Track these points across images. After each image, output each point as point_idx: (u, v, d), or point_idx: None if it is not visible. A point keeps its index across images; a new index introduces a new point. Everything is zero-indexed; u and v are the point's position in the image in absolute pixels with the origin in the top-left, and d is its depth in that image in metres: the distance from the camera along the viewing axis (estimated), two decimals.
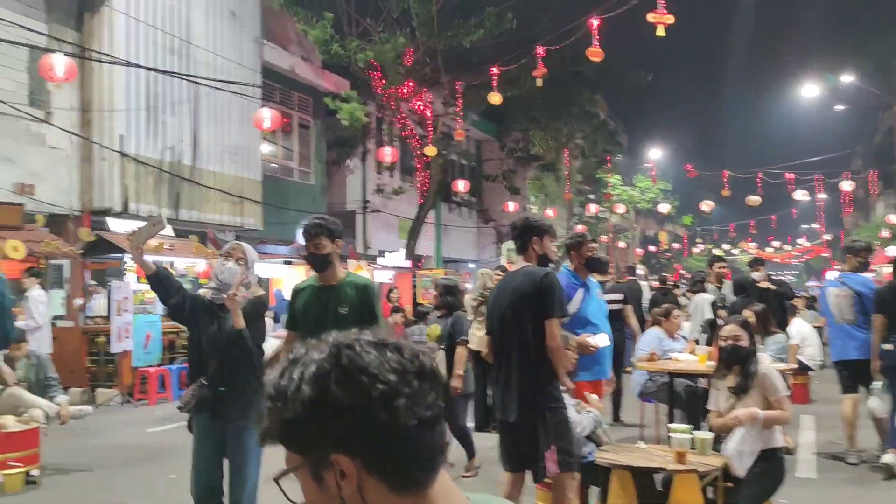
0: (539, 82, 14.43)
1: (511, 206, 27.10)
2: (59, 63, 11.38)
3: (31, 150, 13.42)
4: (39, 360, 6.85)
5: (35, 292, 8.80)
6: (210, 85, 15.98)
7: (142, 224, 4.33)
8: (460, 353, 6.23)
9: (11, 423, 6.03)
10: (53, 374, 6.94)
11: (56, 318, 9.93)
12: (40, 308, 8.79)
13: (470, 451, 6.35)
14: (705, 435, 4.47)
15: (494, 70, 15.33)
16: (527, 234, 4.34)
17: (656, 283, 14.95)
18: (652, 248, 48.27)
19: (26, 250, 8.80)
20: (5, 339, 3.00)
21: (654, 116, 68.33)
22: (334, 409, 1.00)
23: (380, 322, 4.26)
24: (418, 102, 19.85)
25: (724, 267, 9.99)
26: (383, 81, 18.99)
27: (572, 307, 5.28)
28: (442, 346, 6.36)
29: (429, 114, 19.92)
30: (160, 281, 4.14)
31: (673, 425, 4.74)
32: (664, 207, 36.49)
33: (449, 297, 6.61)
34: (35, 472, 6.32)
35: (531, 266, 4.26)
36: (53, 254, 9.46)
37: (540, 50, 13.61)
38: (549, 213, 30.77)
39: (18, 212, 9.61)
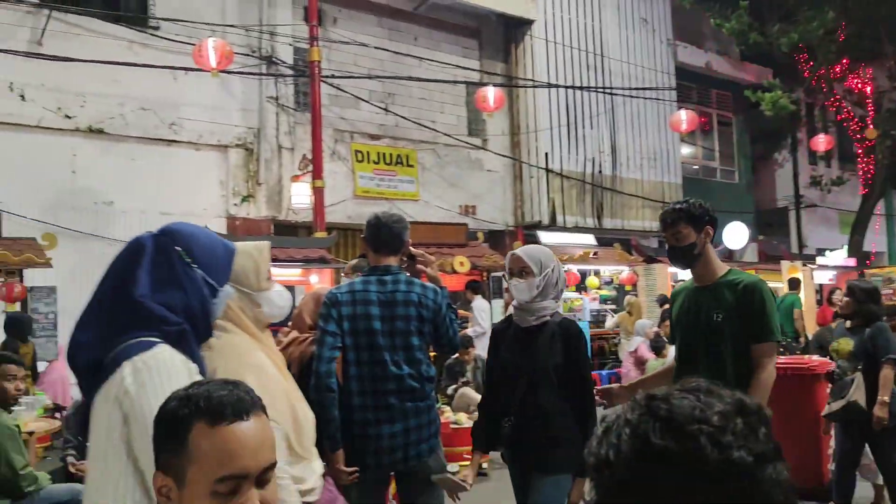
0: None
1: None
2: (490, 94, 12.57)
3: (471, 175, 15.04)
4: (485, 364, 7.59)
5: (478, 302, 9.80)
6: (625, 94, 16.24)
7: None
8: (886, 374, 4.81)
9: (464, 420, 6.76)
10: None
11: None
12: (483, 316, 9.74)
13: None
14: None
15: None
16: None
17: None
18: None
19: (470, 265, 9.82)
20: (450, 345, 3.33)
21: None
22: (662, 459, 0.89)
23: (771, 332, 3.22)
24: (855, 80, 17.69)
25: None
26: (811, 63, 17.34)
27: None
28: (858, 367, 5.04)
29: (868, 91, 17.62)
30: None
31: None
32: None
33: (870, 304, 5.09)
34: (485, 464, 7.00)
35: None
36: (493, 267, 10.42)
37: None
38: None
39: (462, 231, 10.77)
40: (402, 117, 14.04)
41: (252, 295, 2.15)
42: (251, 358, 2.14)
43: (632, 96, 16.55)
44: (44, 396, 6.94)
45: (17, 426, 4.25)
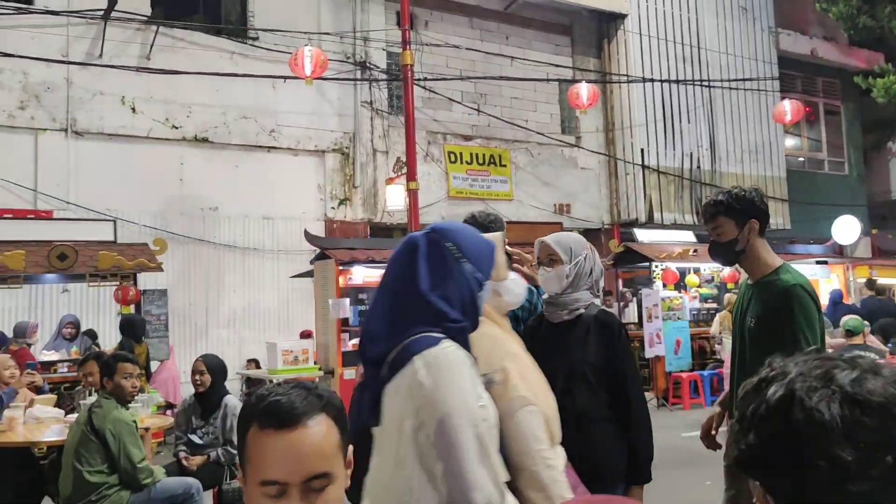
0: None
1: None
2: (583, 91, 12.41)
3: (566, 173, 14.90)
4: None
5: None
6: (724, 86, 15.75)
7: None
8: None
9: None
10: None
11: None
12: None
13: None
14: None
15: None
16: None
17: None
18: None
19: None
20: None
21: None
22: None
23: (798, 345, 2.75)
24: None
25: None
26: None
27: None
28: None
29: None
30: None
31: None
32: None
33: None
34: None
35: None
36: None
37: None
38: None
39: (557, 229, 10.67)
40: (495, 117, 14.05)
41: (495, 285, 2.20)
42: (507, 346, 2.20)
43: (731, 88, 16.02)
44: (156, 394, 7.29)
45: (135, 421, 4.49)
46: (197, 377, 5.06)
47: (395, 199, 12.06)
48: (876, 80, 15.39)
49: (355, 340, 8.24)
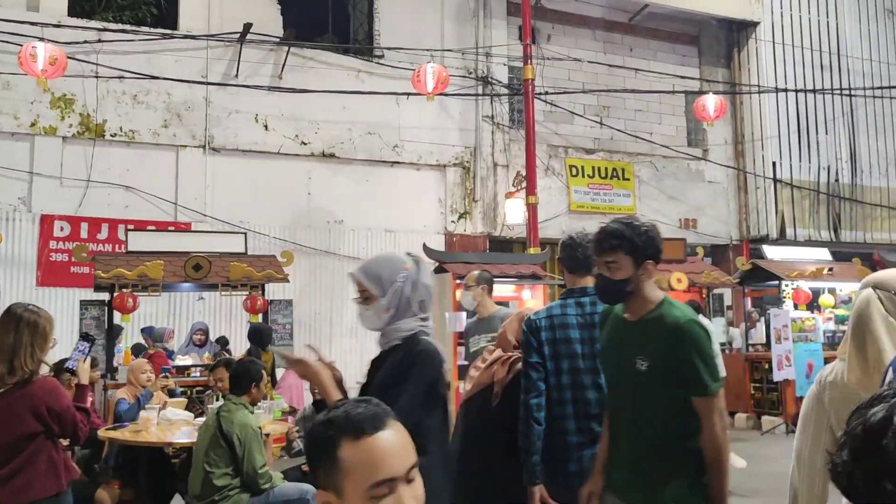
0: None
1: None
2: (710, 102, 12.04)
3: (691, 187, 14.46)
4: None
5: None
6: (867, 95, 14.86)
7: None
8: None
9: None
10: None
11: (721, 345, 10.36)
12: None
13: None
14: None
15: None
16: None
17: None
18: None
19: (688, 281, 9.44)
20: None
21: None
22: None
23: (704, 384, 2.50)
24: None
25: None
26: None
27: None
28: None
29: None
30: None
31: None
32: None
33: None
34: None
35: None
36: (713, 284, 9.94)
37: None
38: None
39: (680, 246, 10.39)
40: (618, 130, 13.83)
41: None
42: None
43: (875, 96, 15.10)
44: (281, 400, 7.59)
45: (259, 427, 4.71)
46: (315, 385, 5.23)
47: (514, 213, 12.08)
48: None
49: None
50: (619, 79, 13.91)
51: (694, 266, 10.12)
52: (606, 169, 13.80)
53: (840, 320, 11.22)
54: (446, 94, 11.80)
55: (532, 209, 11.17)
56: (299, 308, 11.09)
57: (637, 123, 14.21)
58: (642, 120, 14.31)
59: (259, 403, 5.03)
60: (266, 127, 11.67)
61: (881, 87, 15.00)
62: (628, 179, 13.88)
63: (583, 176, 13.57)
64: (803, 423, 2.83)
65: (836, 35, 15.16)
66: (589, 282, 3.27)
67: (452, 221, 12.75)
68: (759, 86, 14.38)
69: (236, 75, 11.45)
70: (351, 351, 11.59)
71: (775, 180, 14.35)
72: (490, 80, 12.97)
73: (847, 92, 14.84)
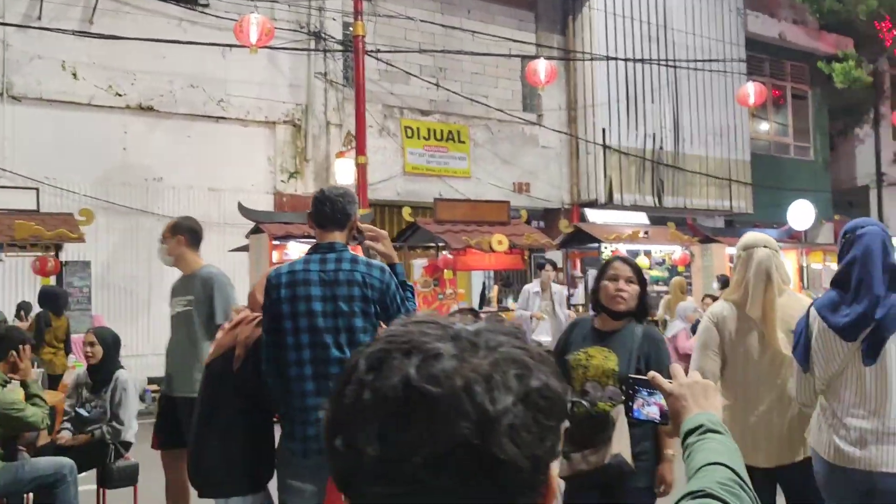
0: None
1: None
2: (542, 67, 12.19)
3: (525, 151, 14.71)
4: None
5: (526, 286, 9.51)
6: (689, 67, 15.57)
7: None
8: None
9: None
10: None
11: None
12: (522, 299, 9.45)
13: None
14: None
15: None
16: None
17: None
18: None
19: (509, 243, 9.58)
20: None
21: None
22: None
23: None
24: None
25: None
26: (893, 32, 16.24)
27: None
28: None
29: None
30: None
31: None
32: None
33: None
34: None
35: None
36: (533, 246, 10.15)
37: None
38: None
39: (504, 208, 10.54)
40: (454, 92, 13.81)
41: None
42: None
43: (697, 69, 15.85)
44: (82, 367, 7.08)
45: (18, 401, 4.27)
46: (88, 349, 4.86)
47: (344, 173, 11.83)
48: (835, 65, 15.28)
49: None
50: (457, 40, 13.86)
51: (516, 229, 10.28)
52: (442, 131, 13.78)
53: (655, 281, 11.76)
54: (275, 48, 11.32)
55: (361, 169, 10.97)
56: (114, 270, 10.43)
57: (473, 86, 14.25)
58: (479, 83, 14.37)
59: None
60: (75, 75, 10.78)
61: (702, 61, 15.76)
62: (464, 142, 13.93)
63: (418, 137, 13.49)
64: (701, 348, 3.32)
65: (664, 9, 15.75)
66: (337, 237, 3.14)
67: (282, 181, 12.35)
68: (591, 54, 14.75)
69: (39, 17, 10.48)
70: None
71: (605, 146, 14.83)
72: (323, 35, 12.57)
73: (672, 64, 15.49)
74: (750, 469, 2.85)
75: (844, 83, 15.27)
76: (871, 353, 2.81)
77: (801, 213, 13.27)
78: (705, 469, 1.14)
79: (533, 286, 9.06)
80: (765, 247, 3.26)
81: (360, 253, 3.33)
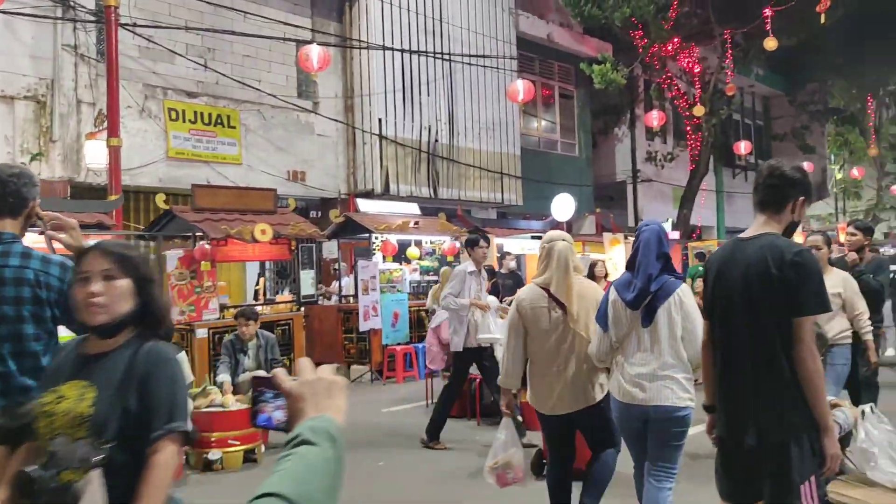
0: (823, 19, 12.34)
1: (805, 166, 24.17)
2: (314, 53, 11.86)
3: (301, 139, 14.33)
4: (268, 341, 7.06)
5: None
6: (463, 61, 15.94)
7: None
8: None
9: (231, 402, 6.22)
10: (279, 356, 7.13)
11: (305, 297, 10.38)
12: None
13: None
14: None
15: (768, 12, 13.45)
16: (790, 187, 2.98)
17: None
18: None
19: (273, 233, 9.21)
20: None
21: None
22: None
23: None
24: (686, 59, 18.20)
25: None
26: (645, 40, 17.65)
27: None
28: None
29: (696, 70, 18.17)
30: None
31: None
32: None
33: None
34: (263, 448, 6.52)
35: (776, 235, 2.95)
36: (300, 235, 9.85)
37: None
38: (855, 172, 27.03)
39: (271, 196, 10.14)
40: (223, 75, 13.12)
41: None
42: None
43: (470, 64, 16.27)
44: None
45: None
46: None
47: (96, 155, 10.83)
48: (594, 67, 16.32)
49: None
50: (227, 20, 13.17)
51: (283, 218, 9.93)
52: (210, 115, 13.05)
53: (425, 271, 11.92)
54: (12, 13, 10.12)
55: (114, 152, 10.11)
56: None
57: (245, 69, 13.64)
58: (251, 66, 13.78)
59: None
60: None
61: (476, 56, 16.20)
62: (234, 127, 13.29)
63: (183, 121, 12.67)
64: (510, 329, 4.26)
65: (440, 3, 16.01)
66: (8, 226, 2.70)
67: (23, 163, 11.07)
68: (367, 42, 14.64)
69: None
70: None
71: (381, 137, 14.81)
72: (71, 2, 11.41)
73: (447, 57, 15.78)
74: (551, 417, 4.17)
75: (602, 84, 16.35)
76: (648, 318, 3.77)
77: (562, 206, 14.03)
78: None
79: (467, 265, 7.24)
80: (563, 241, 4.18)
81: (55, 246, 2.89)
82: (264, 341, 7.04)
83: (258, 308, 9.01)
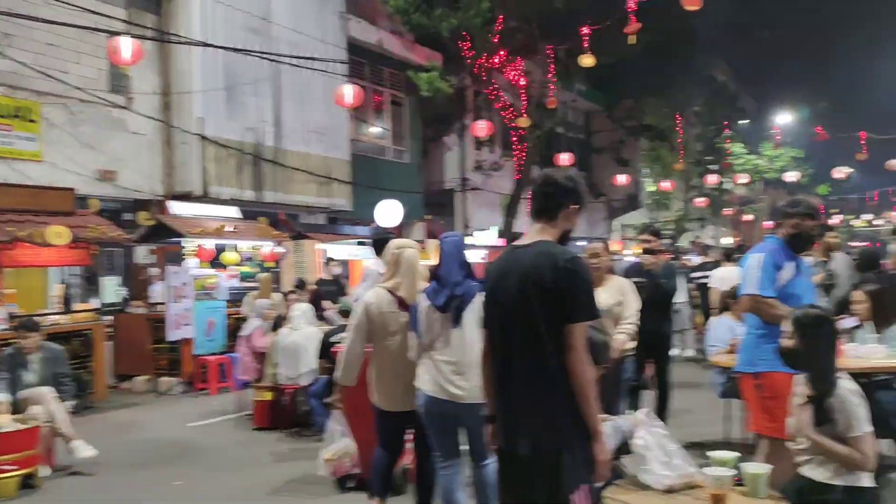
0: (633, 39, 13.09)
1: (622, 179, 25.72)
2: (126, 45, 11.17)
3: (112, 136, 13.44)
4: (54, 354, 6.49)
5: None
6: (290, 63, 15.58)
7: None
8: None
9: (7, 423, 5.65)
10: (67, 370, 6.57)
11: (108, 305, 9.72)
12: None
13: None
14: (758, 468, 3.38)
15: (585, 30, 14.13)
16: (562, 196, 3.06)
17: None
18: None
19: (71, 236, 8.54)
20: None
21: (787, 78, 62.98)
22: None
23: None
24: (512, 72, 18.79)
25: (834, 236, 8.59)
26: (473, 52, 18.04)
27: (781, 281, 4.23)
28: None
29: (522, 83, 18.81)
30: None
31: (714, 453, 3.63)
32: (792, 176, 33.57)
33: None
34: (45, 472, 5.98)
35: (550, 243, 2.99)
36: (101, 239, 9.20)
37: (631, 2, 12.33)
38: (665, 184, 29.01)
39: (69, 196, 9.40)
40: (22, 63, 12.07)
41: None
42: None
43: (300, 66, 15.92)
44: None
45: None
46: None
47: None
48: (421, 75, 16.48)
49: None
50: (28, 4, 12.13)
51: (83, 220, 9.23)
52: (7, 106, 11.95)
53: (245, 277, 11.51)
54: None
55: None
56: None
57: (49, 59, 12.61)
58: (56, 56, 12.75)
59: None
60: None
61: (304, 58, 15.88)
62: (34, 121, 12.24)
63: None
64: (354, 329, 4.48)
65: (267, 2, 15.58)
66: None
67: None
68: (186, 38, 13.98)
69: None
70: None
71: (202, 137, 14.17)
72: None
73: (273, 58, 15.36)
74: (391, 414, 4.42)
75: (429, 92, 16.53)
76: (456, 319, 4.13)
77: (387, 212, 14.02)
78: None
79: (380, 267, 6.42)
80: (410, 248, 4.56)
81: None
82: (50, 354, 6.47)
83: (53, 317, 8.31)
